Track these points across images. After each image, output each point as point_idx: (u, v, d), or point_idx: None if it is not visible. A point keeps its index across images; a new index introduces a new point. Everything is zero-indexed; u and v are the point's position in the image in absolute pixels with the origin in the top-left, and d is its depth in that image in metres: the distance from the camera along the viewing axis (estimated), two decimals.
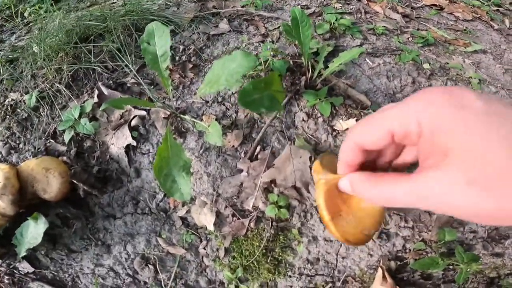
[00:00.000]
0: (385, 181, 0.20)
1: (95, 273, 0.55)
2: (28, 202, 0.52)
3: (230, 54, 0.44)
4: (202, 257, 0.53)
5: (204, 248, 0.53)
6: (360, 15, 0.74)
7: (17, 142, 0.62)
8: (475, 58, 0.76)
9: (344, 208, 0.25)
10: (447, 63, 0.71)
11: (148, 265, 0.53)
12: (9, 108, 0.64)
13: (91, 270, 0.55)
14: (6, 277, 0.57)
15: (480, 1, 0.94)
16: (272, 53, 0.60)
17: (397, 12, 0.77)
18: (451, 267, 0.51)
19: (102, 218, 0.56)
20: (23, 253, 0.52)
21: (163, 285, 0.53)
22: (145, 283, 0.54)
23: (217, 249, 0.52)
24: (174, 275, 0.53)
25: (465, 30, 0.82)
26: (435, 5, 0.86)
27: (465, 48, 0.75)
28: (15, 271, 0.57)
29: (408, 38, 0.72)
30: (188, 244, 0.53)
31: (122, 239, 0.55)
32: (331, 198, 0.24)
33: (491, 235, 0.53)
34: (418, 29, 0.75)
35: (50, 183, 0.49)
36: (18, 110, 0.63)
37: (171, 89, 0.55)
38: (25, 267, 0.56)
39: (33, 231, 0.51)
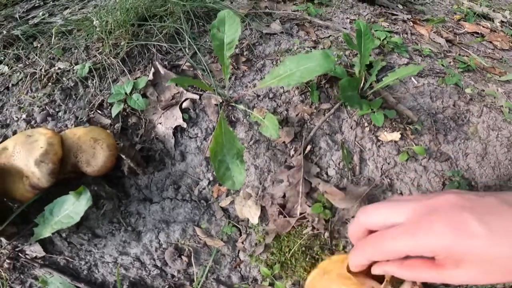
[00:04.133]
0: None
1: (117, 262, 0.50)
2: (64, 175, 0.48)
3: (307, 53, 0.45)
4: (239, 252, 0.51)
5: (243, 242, 0.51)
6: (406, 36, 0.77)
7: (57, 110, 0.60)
8: (507, 87, 0.79)
9: None
10: (483, 90, 0.74)
11: (182, 256, 0.50)
12: (54, 76, 0.62)
13: (114, 258, 0.51)
14: (8, 261, 0.50)
15: None
16: (336, 59, 0.61)
17: (441, 37, 0.80)
18: None
19: (137, 201, 0.53)
20: (46, 235, 0.45)
21: (193, 279, 0.50)
22: (173, 276, 0.50)
23: (256, 244, 0.50)
24: (208, 269, 0.50)
25: (501, 59, 0.86)
26: (477, 33, 0.91)
27: (499, 77, 0.79)
28: (20, 254, 0.50)
29: (450, 62, 0.74)
30: (227, 236, 0.51)
31: (156, 226, 0.52)
32: None
33: None
34: (459, 54, 0.79)
35: (96, 155, 0.47)
36: (64, 79, 0.62)
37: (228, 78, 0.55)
38: (35, 250, 0.50)
39: (71, 208, 0.45)
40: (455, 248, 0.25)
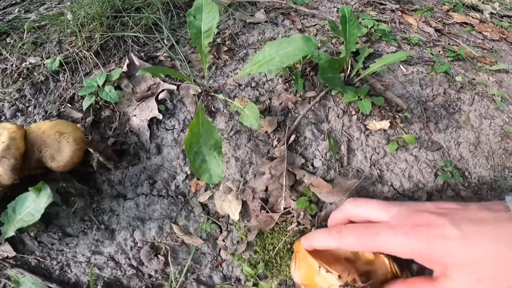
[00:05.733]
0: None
1: (90, 262, 0.48)
2: (28, 171, 0.45)
3: (287, 37, 0.43)
4: (220, 250, 0.48)
5: (223, 240, 0.47)
6: (394, 25, 0.75)
7: (26, 105, 0.57)
8: (498, 76, 0.77)
9: None
10: (474, 79, 0.71)
11: (158, 255, 0.47)
12: (24, 71, 0.59)
13: (87, 258, 0.48)
14: None
15: (508, 23, 0.98)
16: (319, 45, 0.59)
17: (430, 26, 0.78)
18: None
19: (110, 198, 0.50)
20: (10, 234, 0.43)
21: (171, 279, 0.47)
22: (150, 276, 0.47)
23: (238, 242, 0.47)
24: (187, 268, 0.46)
25: (491, 49, 0.84)
26: (466, 23, 0.89)
27: (490, 66, 0.77)
28: None
29: (440, 51, 0.72)
30: (207, 234, 0.47)
31: (130, 223, 0.48)
32: None
33: None
34: (449, 44, 0.77)
35: (61, 150, 0.44)
36: (35, 73, 0.58)
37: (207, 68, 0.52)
38: (6, 250, 0.48)
39: (32, 206, 0.42)
40: (431, 250, 0.27)
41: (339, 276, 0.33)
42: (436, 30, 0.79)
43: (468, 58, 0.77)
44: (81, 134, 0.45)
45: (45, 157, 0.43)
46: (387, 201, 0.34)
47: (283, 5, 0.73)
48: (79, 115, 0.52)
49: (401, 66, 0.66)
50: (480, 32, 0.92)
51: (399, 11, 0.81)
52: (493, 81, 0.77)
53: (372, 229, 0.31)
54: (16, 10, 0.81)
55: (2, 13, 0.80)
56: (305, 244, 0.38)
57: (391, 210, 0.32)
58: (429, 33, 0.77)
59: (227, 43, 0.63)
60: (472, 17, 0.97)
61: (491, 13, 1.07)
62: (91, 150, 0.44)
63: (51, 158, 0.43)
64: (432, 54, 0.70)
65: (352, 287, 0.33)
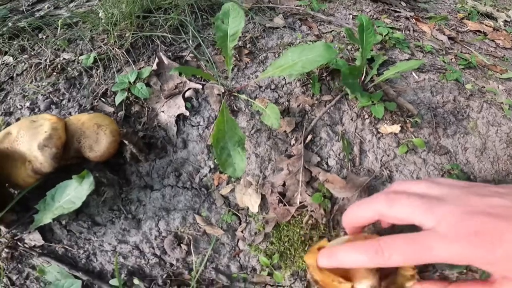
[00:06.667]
0: None
1: (116, 251, 0.50)
2: (65, 161, 0.49)
3: (310, 44, 0.46)
4: (238, 241, 0.51)
5: (242, 231, 0.51)
6: (408, 32, 0.77)
7: (61, 98, 0.61)
8: (507, 85, 0.80)
9: None
10: (484, 87, 0.74)
11: (181, 245, 0.50)
12: (58, 66, 0.63)
13: (113, 247, 0.50)
14: (6, 250, 0.48)
15: None
16: (338, 52, 0.62)
17: (444, 34, 0.81)
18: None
19: (138, 189, 0.53)
20: (47, 220, 0.44)
21: (192, 268, 0.50)
22: (172, 265, 0.50)
23: (255, 233, 0.51)
24: (207, 258, 0.50)
25: (503, 57, 0.86)
26: (479, 31, 0.91)
27: (500, 74, 0.79)
28: (19, 243, 0.49)
29: (452, 59, 0.75)
30: (227, 225, 0.51)
31: (156, 213, 0.52)
32: None
33: None
34: (461, 52, 0.79)
35: (99, 141, 0.48)
36: (69, 68, 0.63)
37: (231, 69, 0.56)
38: (34, 239, 0.50)
39: (73, 193, 0.44)
40: (493, 257, 0.25)
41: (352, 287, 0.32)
42: (450, 38, 0.81)
43: (479, 66, 0.79)
44: (116, 127, 0.49)
45: (84, 147, 0.47)
46: (425, 198, 0.30)
47: (301, 11, 0.76)
48: (111, 109, 0.56)
49: (413, 73, 0.69)
50: (493, 40, 0.94)
51: (413, 19, 0.83)
52: (502, 89, 0.80)
53: (421, 243, 0.27)
54: (46, 6, 0.86)
55: (32, 9, 0.84)
56: (325, 262, 0.33)
57: (436, 212, 0.28)
58: (442, 41, 0.79)
59: (248, 46, 0.67)
60: (486, 25, 0.99)
61: (505, 21, 1.08)
62: (125, 142, 0.48)
63: (89, 148, 0.47)
64: (444, 62, 0.73)
65: None
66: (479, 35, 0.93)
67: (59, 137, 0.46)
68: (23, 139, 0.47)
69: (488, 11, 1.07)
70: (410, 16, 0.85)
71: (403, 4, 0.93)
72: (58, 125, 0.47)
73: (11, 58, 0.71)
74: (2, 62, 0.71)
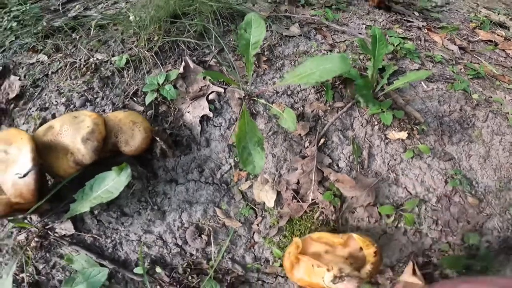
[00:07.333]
0: None
1: (141, 241, 0.54)
2: (104, 154, 0.53)
3: (323, 55, 0.50)
4: (254, 233, 0.56)
5: (258, 225, 0.56)
6: (419, 42, 0.81)
7: (95, 96, 0.67)
8: None
9: None
10: (491, 97, 0.77)
11: (202, 235, 0.54)
12: (92, 66, 0.69)
13: (138, 237, 0.54)
14: (36, 239, 0.51)
15: None
16: (351, 62, 0.66)
17: (455, 44, 0.84)
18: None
19: (164, 182, 0.58)
20: (85, 209, 0.48)
21: (211, 257, 0.54)
22: (191, 255, 0.54)
23: (270, 227, 0.56)
24: (225, 249, 0.54)
25: None
26: (491, 41, 0.93)
27: (508, 84, 0.82)
28: (49, 232, 0.52)
29: (461, 69, 0.78)
30: (244, 218, 0.56)
31: (179, 206, 0.56)
32: None
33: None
34: (471, 62, 0.82)
35: (134, 136, 0.53)
36: (102, 69, 0.68)
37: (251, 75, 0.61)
38: (66, 228, 0.53)
39: (111, 184, 0.48)
40: None
41: (327, 270, 0.40)
42: (460, 48, 0.84)
43: (487, 76, 0.82)
44: (149, 125, 0.55)
45: (120, 141, 0.53)
46: None
47: (316, 20, 0.80)
48: (141, 108, 0.62)
49: (422, 82, 0.73)
50: (503, 50, 0.95)
51: (425, 29, 0.86)
52: (509, 100, 0.82)
53: None
54: (76, 7, 0.91)
55: (63, 8, 0.89)
56: None
57: None
58: (452, 50, 0.82)
59: (266, 53, 0.71)
60: (498, 35, 1.00)
61: None
62: (157, 138, 0.54)
63: (125, 143, 0.53)
64: (453, 72, 0.76)
65: (340, 278, 0.39)
66: (490, 44, 0.95)
67: (100, 131, 0.52)
68: (66, 132, 0.52)
69: (502, 21, 1.08)
70: (423, 26, 0.88)
71: (416, 14, 0.96)
72: (99, 121, 0.53)
73: (45, 56, 0.76)
74: (37, 60, 0.77)
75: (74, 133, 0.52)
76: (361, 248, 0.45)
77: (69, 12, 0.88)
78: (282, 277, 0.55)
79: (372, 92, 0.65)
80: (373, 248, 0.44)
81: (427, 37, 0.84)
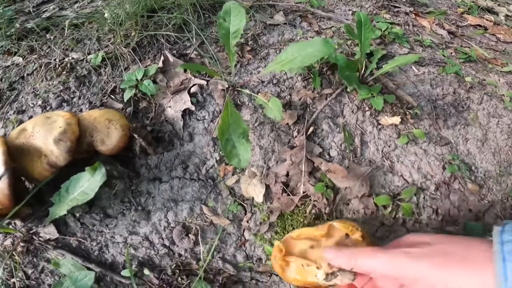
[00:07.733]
0: None
1: (127, 242, 0.51)
2: (79, 154, 0.51)
3: (308, 40, 0.47)
4: (244, 230, 0.53)
5: (247, 221, 0.53)
6: (407, 27, 0.78)
7: (71, 96, 0.63)
8: (508, 78, 0.80)
9: None
10: (484, 80, 0.75)
11: (189, 235, 0.51)
12: (68, 66, 0.66)
13: (124, 238, 0.52)
14: (22, 244, 0.49)
15: None
16: (336, 47, 0.63)
17: (443, 28, 0.82)
18: None
19: (147, 181, 0.55)
20: (62, 212, 0.46)
21: (200, 258, 0.51)
22: (180, 255, 0.52)
23: (260, 223, 0.52)
24: (214, 248, 0.51)
25: (503, 51, 0.87)
26: (480, 26, 0.92)
27: (501, 67, 0.80)
28: (34, 237, 0.50)
29: (452, 53, 0.76)
30: (233, 215, 0.53)
31: (164, 205, 0.53)
32: None
33: None
34: (461, 46, 0.80)
35: (110, 135, 0.50)
36: (78, 68, 0.65)
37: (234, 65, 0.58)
38: (49, 232, 0.51)
39: (86, 185, 0.46)
40: None
41: (317, 268, 0.39)
42: (449, 33, 0.82)
43: (479, 59, 0.80)
44: (126, 122, 0.52)
45: (96, 141, 0.49)
46: None
47: (301, 8, 0.77)
48: (119, 105, 0.59)
49: (413, 67, 0.70)
50: (493, 34, 0.94)
51: (413, 14, 0.84)
52: (503, 82, 0.80)
53: None
54: (51, 7, 0.88)
55: (37, 10, 0.87)
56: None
57: None
58: (442, 35, 0.80)
59: (250, 43, 0.68)
60: (487, 20, 0.99)
61: (507, 15, 1.08)
62: (135, 135, 0.51)
63: (101, 142, 0.49)
64: (444, 56, 0.74)
65: (333, 274, 0.37)
66: (479, 29, 0.94)
67: (73, 131, 0.49)
68: (38, 134, 0.49)
69: (489, 6, 1.07)
70: (410, 11, 0.86)
71: None
72: (71, 121, 0.49)
73: (20, 58, 0.73)
74: (12, 63, 0.73)
75: (46, 134, 0.49)
76: (347, 235, 0.42)
77: (43, 13, 0.85)
78: (277, 275, 0.51)
79: (362, 77, 0.62)
80: (358, 232, 0.42)
81: (415, 22, 0.81)
